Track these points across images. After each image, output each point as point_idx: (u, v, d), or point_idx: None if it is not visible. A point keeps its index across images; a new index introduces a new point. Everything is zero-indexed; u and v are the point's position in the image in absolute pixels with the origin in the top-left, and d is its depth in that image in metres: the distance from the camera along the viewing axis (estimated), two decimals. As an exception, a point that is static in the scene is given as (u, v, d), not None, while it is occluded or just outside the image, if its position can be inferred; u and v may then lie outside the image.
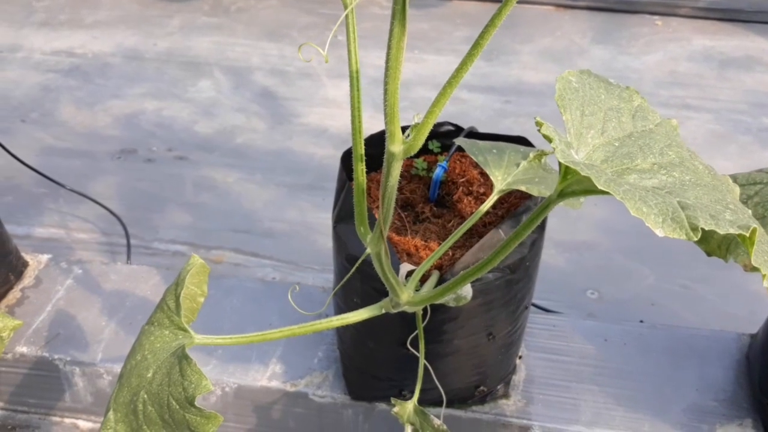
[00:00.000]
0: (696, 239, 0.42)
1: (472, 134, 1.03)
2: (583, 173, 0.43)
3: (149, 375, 0.72)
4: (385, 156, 0.57)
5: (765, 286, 0.45)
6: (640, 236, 1.33)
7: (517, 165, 0.83)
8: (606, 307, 1.38)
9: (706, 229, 0.42)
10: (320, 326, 0.73)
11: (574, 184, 0.51)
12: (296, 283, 1.17)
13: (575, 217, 1.56)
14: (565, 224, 1.54)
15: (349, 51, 0.62)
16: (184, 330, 0.73)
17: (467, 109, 1.95)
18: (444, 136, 1.07)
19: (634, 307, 1.38)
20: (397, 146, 0.56)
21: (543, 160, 0.86)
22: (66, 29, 2.33)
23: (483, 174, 1.03)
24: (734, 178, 0.74)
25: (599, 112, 0.57)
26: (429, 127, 0.55)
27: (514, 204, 0.98)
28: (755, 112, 1.95)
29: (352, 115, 0.62)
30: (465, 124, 1.97)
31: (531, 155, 0.83)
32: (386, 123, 0.55)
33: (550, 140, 0.45)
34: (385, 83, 0.56)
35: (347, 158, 0.99)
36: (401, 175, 1.06)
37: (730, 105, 1.98)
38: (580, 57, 2.19)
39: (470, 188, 1.02)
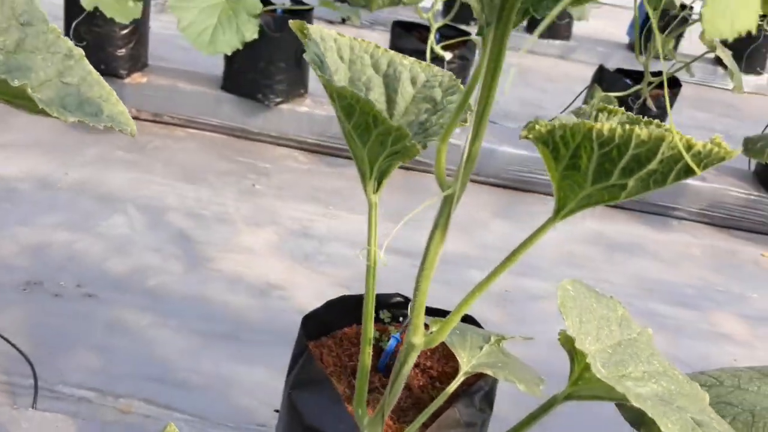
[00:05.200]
0: (715, 457, 0.47)
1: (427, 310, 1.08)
2: (628, 396, 0.48)
3: None
4: (404, 346, 0.60)
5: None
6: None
7: (480, 347, 0.88)
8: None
9: (725, 448, 0.48)
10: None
11: (583, 390, 0.57)
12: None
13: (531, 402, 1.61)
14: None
15: (369, 242, 0.67)
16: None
17: (377, 269, 2.02)
18: (394, 306, 1.12)
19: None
20: (418, 339, 0.60)
21: (501, 345, 0.91)
22: (-28, 148, 2.26)
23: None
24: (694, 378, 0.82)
25: (593, 320, 0.63)
26: (453, 324, 0.59)
27: (450, 375, 1.02)
28: (642, 296, 2.13)
29: (366, 302, 0.66)
30: (378, 285, 2.02)
31: (492, 339, 0.89)
32: (413, 316, 0.59)
33: (584, 356, 0.50)
34: (418, 281, 0.60)
35: (308, 322, 1.01)
36: (351, 342, 1.09)
37: (620, 288, 2.15)
38: (483, 229, 2.34)
39: (417, 360, 1.06)
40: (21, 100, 0.71)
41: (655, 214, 2.64)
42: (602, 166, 0.52)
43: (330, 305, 1.04)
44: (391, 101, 0.75)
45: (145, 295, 1.77)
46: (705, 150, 0.48)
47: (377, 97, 0.75)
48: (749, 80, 3.94)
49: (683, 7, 3.39)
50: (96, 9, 2.27)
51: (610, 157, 0.52)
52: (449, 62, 2.36)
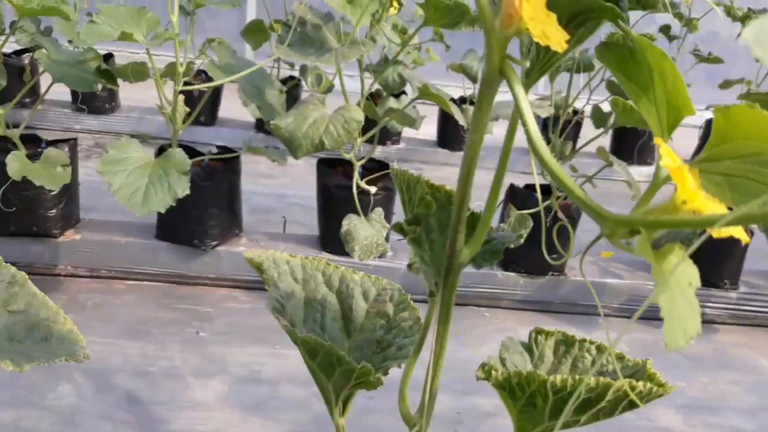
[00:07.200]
0: None
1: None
2: None
3: None
4: None
5: None
6: None
7: None
8: None
9: None
10: None
11: None
12: None
13: None
14: None
15: None
16: None
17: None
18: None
19: None
20: None
21: None
22: None
23: None
24: None
25: None
26: None
27: None
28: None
29: None
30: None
31: None
32: None
33: None
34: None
35: None
36: None
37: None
38: (425, 348, 2.42)
39: None
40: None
41: (580, 314, 2.78)
42: (557, 406, 0.62)
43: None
44: (346, 318, 0.84)
45: (100, 468, 1.77)
46: (645, 389, 0.58)
47: (333, 314, 0.84)
48: (642, 170, 4.25)
49: (575, 112, 3.67)
50: (24, 177, 2.31)
51: (564, 399, 0.62)
52: (375, 194, 2.49)
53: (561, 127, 3.32)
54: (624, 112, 2.42)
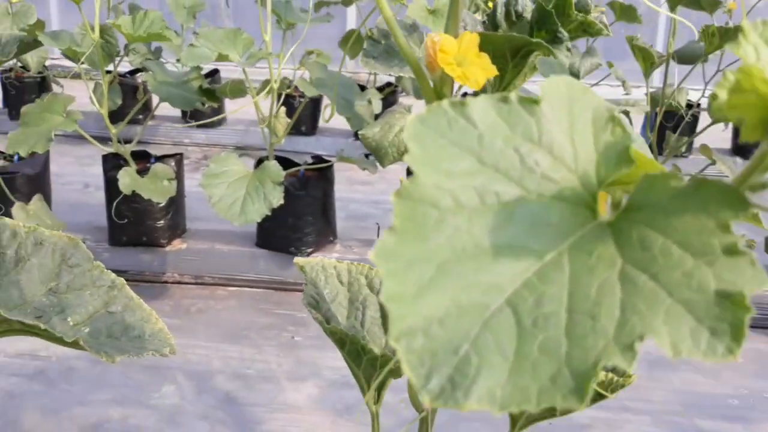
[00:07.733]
0: None
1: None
2: None
3: None
4: None
5: None
6: None
7: None
8: None
9: None
10: None
11: None
12: None
13: None
14: None
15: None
16: None
17: None
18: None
19: None
20: None
21: None
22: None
23: None
24: None
25: None
26: None
27: None
28: (688, 412, 2.15)
29: None
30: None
31: None
32: None
33: None
34: None
35: None
36: None
37: (663, 406, 2.18)
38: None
39: None
40: (75, 347, 0.85)
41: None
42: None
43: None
44: (385, 316, 0.87)
45: (198, 466, 1.87)
46: (607, 379, 0.58)
47: (373, 313, 0.88)
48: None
49: (689, 106, 3.53)
50: (134, 191, 2.47)
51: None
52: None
53: (675, 123, 3.21)
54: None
